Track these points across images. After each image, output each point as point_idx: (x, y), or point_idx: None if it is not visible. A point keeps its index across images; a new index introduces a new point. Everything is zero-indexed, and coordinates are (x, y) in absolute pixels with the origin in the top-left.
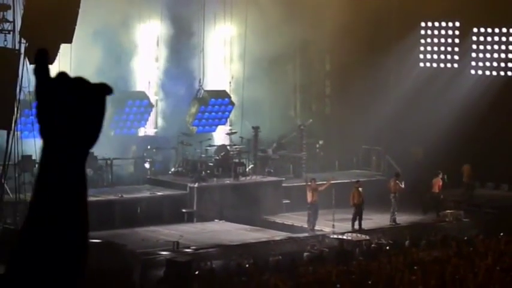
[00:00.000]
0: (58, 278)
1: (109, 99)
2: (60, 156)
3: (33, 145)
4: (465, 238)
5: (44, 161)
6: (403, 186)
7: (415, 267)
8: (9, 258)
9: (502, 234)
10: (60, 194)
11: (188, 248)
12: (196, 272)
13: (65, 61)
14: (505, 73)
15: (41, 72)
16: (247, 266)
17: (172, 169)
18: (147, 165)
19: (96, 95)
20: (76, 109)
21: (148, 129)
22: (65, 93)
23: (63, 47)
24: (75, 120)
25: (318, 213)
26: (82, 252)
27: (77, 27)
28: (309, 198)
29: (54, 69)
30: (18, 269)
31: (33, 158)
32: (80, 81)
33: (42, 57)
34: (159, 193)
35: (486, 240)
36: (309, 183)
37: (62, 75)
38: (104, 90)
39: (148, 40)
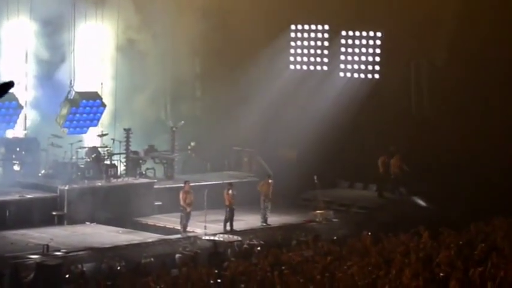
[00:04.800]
0: None
1: None
2: None
3: None
4: (334, 238)
5: None
6: (271, 189)
7: (285, 267)
8: None
9: (369, 233)
10: None
11: (58, 251)
12: (67, 276)
13: None
14: (372, 76)
15: None
16: (118, 268)
17: (42, 171)
18: (16, 168)
19: None
20: None
21: (17, 131)
22: None
23: None
24: None
25: (190, 216)
26: None
27: None
28: (182, 201)
29: None
30: None
31: None
32: None
33: None
34: (28, 196)
35: (354, 240)
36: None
37: None
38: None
39: (16, 38)
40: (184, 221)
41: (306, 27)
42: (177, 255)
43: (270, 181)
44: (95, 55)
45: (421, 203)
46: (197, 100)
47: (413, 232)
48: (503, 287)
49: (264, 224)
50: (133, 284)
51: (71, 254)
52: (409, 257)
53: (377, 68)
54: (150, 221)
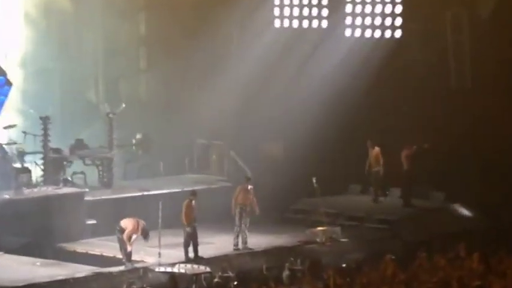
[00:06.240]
0: None
1: None
2: None
3: None
4: (343, 265)
5: None
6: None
7: None
8: None
9: (392, 257)
10: None
11: None
12: None
13: None
14: (392, 34)
15: None
16: None
17: None
18: None
19: None
20: None
21: None
22: None
23: None
24: None
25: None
26: None
27: None
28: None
29: None
30: None
31: None
32: None
33: None
34: None
35: (371, 268)
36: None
37: None
38: None
39: None
40: (125, 246)
41: None
42: None
43: (249, 187)
44: None
45: (465, 212)
46: (142, 74)
47: (454, 254)
48: None
49: (241, 248)
50: None
51: None
52: None
53: (398, 22)
54: (80, 247)
